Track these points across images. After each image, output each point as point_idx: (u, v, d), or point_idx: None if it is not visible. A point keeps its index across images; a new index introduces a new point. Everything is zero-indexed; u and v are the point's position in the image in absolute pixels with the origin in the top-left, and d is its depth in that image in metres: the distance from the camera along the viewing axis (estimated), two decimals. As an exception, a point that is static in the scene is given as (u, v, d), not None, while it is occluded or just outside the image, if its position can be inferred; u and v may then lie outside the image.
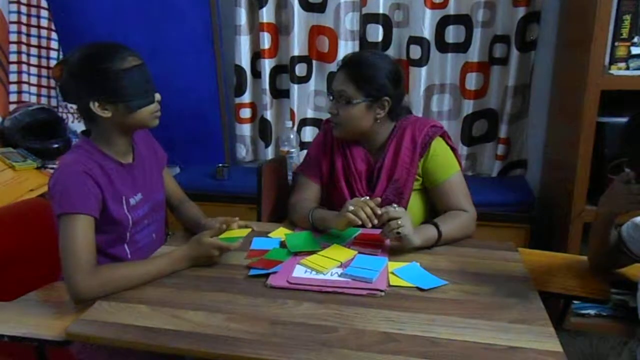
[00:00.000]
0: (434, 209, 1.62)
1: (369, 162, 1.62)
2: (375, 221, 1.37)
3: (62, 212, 1.24)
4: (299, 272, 1.31)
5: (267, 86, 2.62)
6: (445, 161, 1.58)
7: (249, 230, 1.49)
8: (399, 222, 1.36)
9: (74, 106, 2.58)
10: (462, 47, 2.42)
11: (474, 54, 2.40)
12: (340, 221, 1.43)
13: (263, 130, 2.75)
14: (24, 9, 2.61)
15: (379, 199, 1.42)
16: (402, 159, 1.57)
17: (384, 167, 1.59)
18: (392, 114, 1.58)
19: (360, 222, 1.37)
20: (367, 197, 1.43)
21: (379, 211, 1.38)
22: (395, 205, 1.42)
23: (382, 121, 1.57)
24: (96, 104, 1.29)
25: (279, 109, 2.75)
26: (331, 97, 1.59)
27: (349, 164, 1.63)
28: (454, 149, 1.63)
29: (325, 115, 2.59)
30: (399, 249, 1.40)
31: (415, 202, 1.60)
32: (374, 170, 1.61)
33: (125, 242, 1.42)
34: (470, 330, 1.07)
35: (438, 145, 1.58)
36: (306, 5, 2.51)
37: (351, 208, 1.37)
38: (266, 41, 2.56)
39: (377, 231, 1.42)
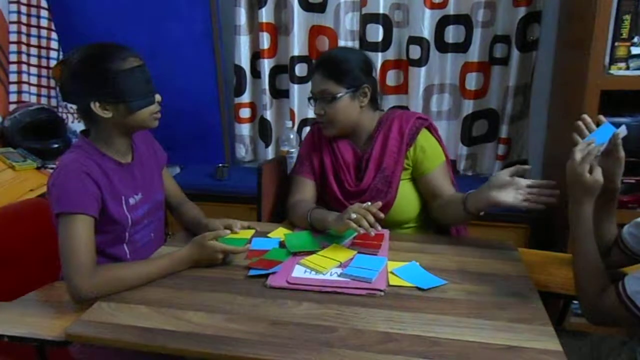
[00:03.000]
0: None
1: (357, 154, 1.67)
2: (379, 228, 1.37)
3: (61, 212, 1.24)
4: (299, 272, 1.31)
5: (266, 86, 2.62)
6: (432, 152, 1.63)
7: (253, 231, 1.49)
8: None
9: (74, 106, 2.60)
10: (462, 47, 2.42)
11: (474, 54, 2.39)
12: (341, 227, 1.43)
13: (263, 130, 2.75)
14: (24, 9, 2.61)
15: (379, 203, 1.42)
16: (390, 148, 1.61)
17: (372, 157, 1.63)
18: (373, 102, 1.66)
19: (362, 232, 1.37)
20: (369, 203, 1.42)
21: (381, 215, 1.38)
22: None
23: (366, 110, 1.64)
24: (97, 104, 1.29)
25: (278, 109, 2.75)
26: (313, 101, 1.64)
27: (337, 157, 1.67)
28: (439, 140, 1.67)
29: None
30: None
31: (407, 190, 1.63)
32: (362, 161, 1.65)
33: (124, 242, 1.42)
34: (470, 330, 1.07)
35: (424, 137, 1.63)
36: (306, 5, 2.51)
37: (354, 216, 1.37)
38: (265, 41, 2.56)
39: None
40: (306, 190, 1.70)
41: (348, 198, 1.63)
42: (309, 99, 1.66)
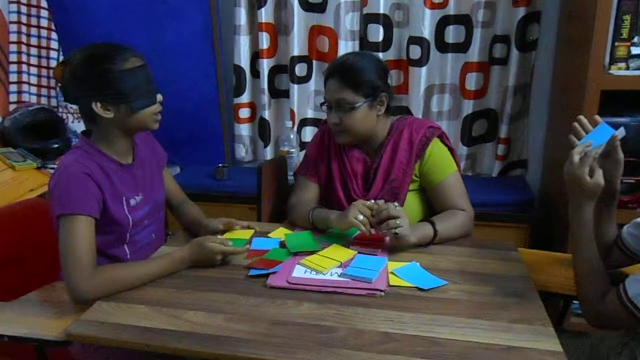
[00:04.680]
0: (432, 209, 1.62)
1: (366, 162, 1.63)
2: (385, 231, 1.38)
3: (62, 213, 1.24)
4: (299, 272, 1.31)
5: (265, 86, 2.62)
6: (442, 162, 1.59)
7: (252, 231, 1.49)
8: (398, 221, 1.36)
9: (74, 106, 2.60)
10: (462, 47, 2.42)
11: (474, 54, 2.40)
12: (345, 224, 1.43)
13: (262, 130, 2.75)
14: (24, 9, 2.61)
15: (382, 202, 1.43)
16: (399, 159, 1.58)
17: (380, 167, 1.60)
18: (388, 108, 1.60)
19: (368, 233, 1.37)
20: (373, 201, 1.43)
21: (387, 213, 1.38)
22: (396, 204, 1.42)
23: (381, 118, 1.59)
24: (98, 104, 1.29)
25: (278, 109, 2.75)
26: (327, 108, 1.58)
27: (345, 164, 1.63)
28: (451, 150, 1.63)
29: (325, 116, 2.59)
30: (394, 246, 1.41)
31: (413, 202, 1.61)
32: (370, 171, 1.62)
33: (125, 243, 1.42)
34: (470, 330, 1.07)
35: (435, 147, 1.59)
36: (306, 5, 2.51)
37: (361, 217, 1.38)
38: (265, 41, 2.56)
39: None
40: (309, 192, 1.68)
41: None
42: (321, 104, 1.60)
